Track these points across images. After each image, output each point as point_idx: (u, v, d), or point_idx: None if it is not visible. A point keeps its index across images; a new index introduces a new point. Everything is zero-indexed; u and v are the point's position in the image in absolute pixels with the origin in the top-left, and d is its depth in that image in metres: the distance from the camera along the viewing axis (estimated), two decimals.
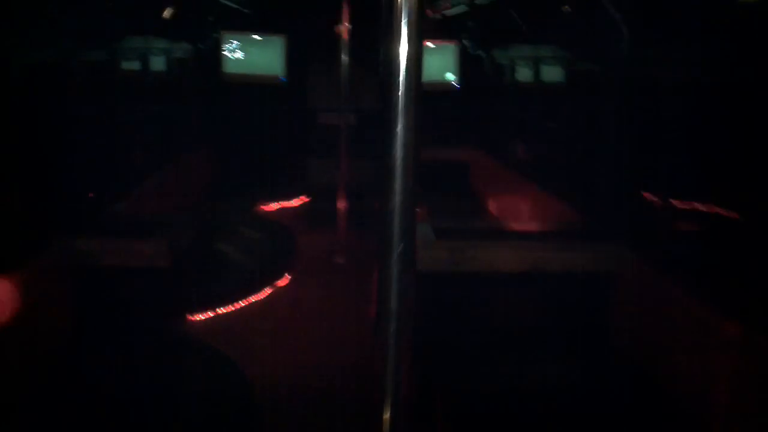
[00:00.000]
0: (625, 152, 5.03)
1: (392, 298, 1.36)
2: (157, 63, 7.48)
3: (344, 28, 8.14)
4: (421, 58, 1.39)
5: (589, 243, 4.59)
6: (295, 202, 9.14)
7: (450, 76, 9.46)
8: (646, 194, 4.74)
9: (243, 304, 5.07)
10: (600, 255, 4.46)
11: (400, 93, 1.40)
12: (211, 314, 4.84)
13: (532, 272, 4.47)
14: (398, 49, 1.37)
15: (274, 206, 8.73)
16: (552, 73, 6.67)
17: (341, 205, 8.07)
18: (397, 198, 1.39)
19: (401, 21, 1.36)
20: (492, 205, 8.09)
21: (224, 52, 8.95)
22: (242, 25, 8.99)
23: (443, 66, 9.39)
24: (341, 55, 7.76)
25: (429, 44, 9.33)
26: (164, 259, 4.10)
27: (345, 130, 7.85)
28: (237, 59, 9.07)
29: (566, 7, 5.26)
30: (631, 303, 4.19)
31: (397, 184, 1.39)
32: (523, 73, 7.64)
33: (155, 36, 7.16)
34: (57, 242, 4.06)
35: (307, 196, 9.23)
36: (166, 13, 7.87)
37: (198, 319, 4.79)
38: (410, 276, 1.37)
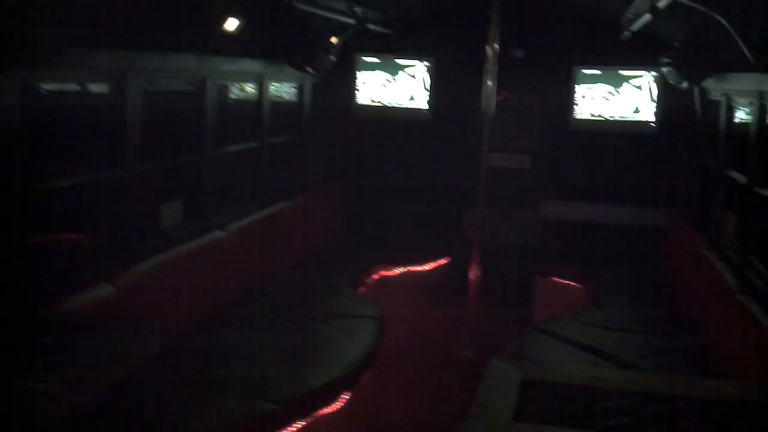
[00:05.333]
0: None
1: None
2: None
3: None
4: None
5: None
6: (428, 266, 7.33)
7: (644, 114, 7.16)
8: None
9: None
10: None
11: None
12: None
13: None
14: None
15: (396, 271, 7.01)
16: None
17: (474, 275, 6.12)
18: None
19: None
20: (678, 302, 5.75)
21: (357, 80, 7.46)
22: (377, 47, 7.42)
23: (636, 100, 7.11)
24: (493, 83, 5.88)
25: (619, 72, 7.11)
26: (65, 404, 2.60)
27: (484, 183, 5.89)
28: (371, 87, 7.54)
29: None
30: None
31: None
32: (745, 115, 5.24)
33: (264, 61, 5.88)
34: None
35: (448, 258, 7.37)
36: (333, 39, 6.58)
37: None
38: None
